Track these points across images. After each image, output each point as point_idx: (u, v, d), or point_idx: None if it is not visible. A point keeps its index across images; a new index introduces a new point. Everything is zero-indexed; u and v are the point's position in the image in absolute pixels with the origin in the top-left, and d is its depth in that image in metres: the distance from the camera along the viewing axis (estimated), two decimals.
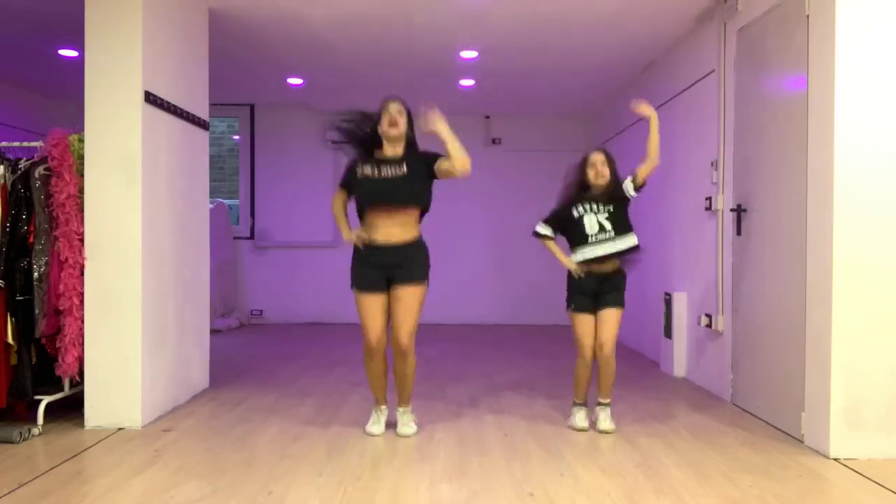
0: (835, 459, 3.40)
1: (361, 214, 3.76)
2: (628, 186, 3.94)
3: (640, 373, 5.61)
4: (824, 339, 3.47)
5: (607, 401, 3.99)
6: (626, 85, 7.17)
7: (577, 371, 4.05)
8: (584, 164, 4.00)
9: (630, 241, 3.91)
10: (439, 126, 3.55)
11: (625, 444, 3.67)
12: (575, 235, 3.94)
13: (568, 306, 4.03)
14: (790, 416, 3.79)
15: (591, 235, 3.89)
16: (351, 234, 3.75)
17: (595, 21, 5.25)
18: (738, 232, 4.46)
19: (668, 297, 5.61)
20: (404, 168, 3.68)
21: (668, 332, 5.61)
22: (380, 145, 3.75)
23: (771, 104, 4.11)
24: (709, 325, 4.86)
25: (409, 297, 3.70)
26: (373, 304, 3.72)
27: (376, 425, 3.85)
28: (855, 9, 3.41)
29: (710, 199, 4.91)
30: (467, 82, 7.16)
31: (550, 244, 4.03)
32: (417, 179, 3.69)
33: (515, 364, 6.00)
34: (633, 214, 4.06)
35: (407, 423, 3.88)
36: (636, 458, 3.44)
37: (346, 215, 3.86)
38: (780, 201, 3.96)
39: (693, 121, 5.35)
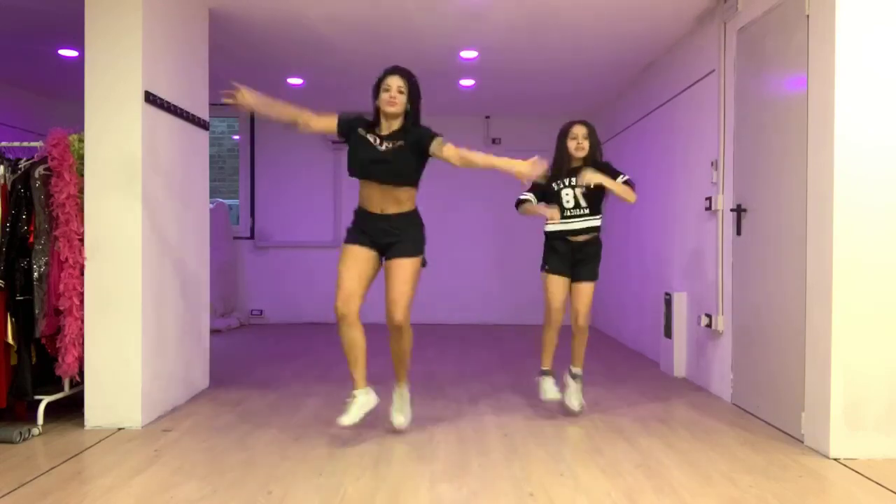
0: (835, 459, 3.41)
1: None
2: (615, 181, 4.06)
3: (640, 373, 5.61)
4: (824, 339, 3.47)
5: (579, 370, 4.20)
6: (626, 85, 7.17)
7: (544, 336, 4.21)
8: (565, 134, 4.10)
9: (597, 221, 4.11)
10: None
11: (625, 444, 3.67)
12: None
13: (542, 268, 4.18)
14: (790, 416, 3.79)
15: (568, 210, 4.07)
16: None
17: (595, 21, 5.25)
18: (738, 232, 4.46)
19: (668, 297, 5.61)
20: (400, 144, 3.57)
21: (668, 332, 5.61)
22: (377, 119, 3.63)
23: (771, 104, 4.11)
24: (709, 325, 4.86)
25: (402, 269, 3.59)
26: (354, 256, 3.60)
27: (345, 415, 3.56)
28: (855, 9, 3.41)
29: (710, 199, 4.91)
30: (467, 82, 7.16)
31: (528, 206, 4.11)
32: (413, 157, 3.59)
33: (515, 364, 6.00)
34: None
35: (401, 408, 3.81)
36: (636, 458, 3.44)
37: (296, 112, 3.59)
38: (780, 201, 3.96)
39: (693, 121, 5.35)
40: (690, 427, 4.00)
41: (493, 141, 8.83)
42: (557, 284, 4.09)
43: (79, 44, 4.70)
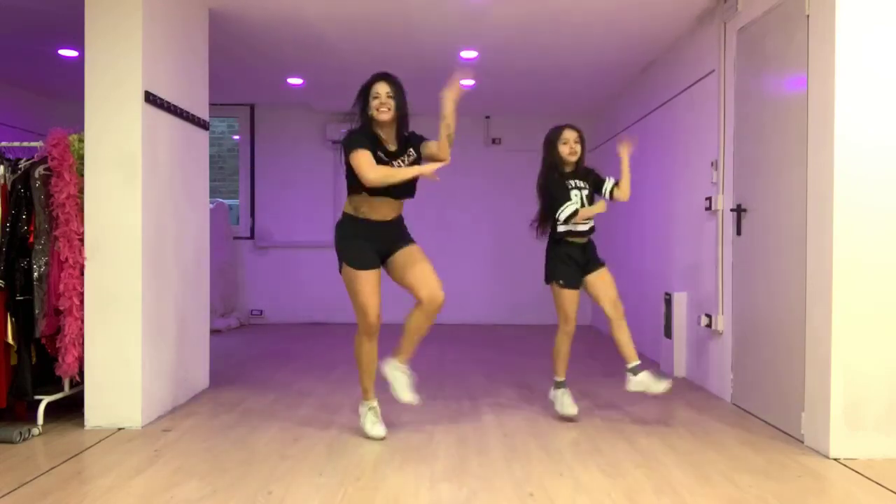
0: (835, 459, 3.41)
1: (354, 191, 3.63)
2: (605, 187, 4.14)
3: None
4: (824, 339, 3.47)
5: (639, 361, 4.01)
6: (626, 85, 7.17)
7: (559, 347, 4.12)
8: (555, 140, 4.10)
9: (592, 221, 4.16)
10: (451, 102, 3.46)
11: (625, 444, 3.67)
12: None
13: (552, 280, 4.10)
14: (790, 416, 3.79)
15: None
16: (431, 168, 3.48)
17: (595, 21, 5.25)
18: (738, 232, 4.46)
19: (668, 297, 5.61)
20: (413, 158, 3.66)
21: (668, 332, 5.61)
22: (374, 130, 3.61)
23: (771, 104, 4.11)
24: (709, 325, 4.86)
25: (420, 254, 3.69)
26: (373, 281, 3.63)
27: (378, 426, 3.75)
28: (855, 9, 3.41)
29: (710, 199, 4.91)
30: (467, 82, 7.16)
31: (583, 211, 4.04)
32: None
33: (515, 364, 6.00)
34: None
35: (411, 386, 3.71)
36: (636, 458, 3.44)
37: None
38: (780, 201, 3.96)
39: (693, 121, 5.35)
40: (690, 427, 4.00)
41: (493, 141, 8.83)
42: (573, 296, 4.06)
43: (79, 44, 4.70)
